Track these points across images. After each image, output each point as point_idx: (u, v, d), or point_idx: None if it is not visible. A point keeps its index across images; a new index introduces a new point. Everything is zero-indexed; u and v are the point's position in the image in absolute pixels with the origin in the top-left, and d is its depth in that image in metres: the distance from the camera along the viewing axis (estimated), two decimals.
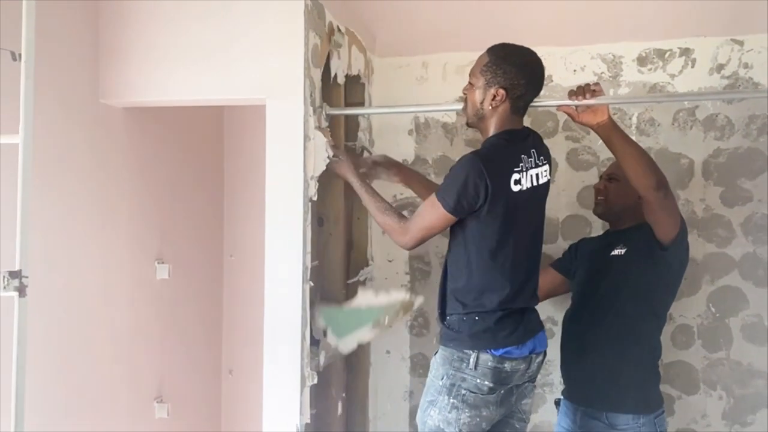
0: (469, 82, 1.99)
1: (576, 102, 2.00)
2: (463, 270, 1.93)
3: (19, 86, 1.34)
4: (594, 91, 1.99)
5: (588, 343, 2.24)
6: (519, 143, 1.94)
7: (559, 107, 2.10)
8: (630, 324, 2.19)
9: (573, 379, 2.30)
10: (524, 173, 1.90)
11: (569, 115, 2.06)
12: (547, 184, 2.01)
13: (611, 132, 2.03)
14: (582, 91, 2.00)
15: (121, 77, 2.23)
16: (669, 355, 2.61)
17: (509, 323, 1.91)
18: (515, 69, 1.90)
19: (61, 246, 2.09)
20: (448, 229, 1.96)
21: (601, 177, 2.46)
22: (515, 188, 1.87)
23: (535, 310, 2.02)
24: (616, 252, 2.25)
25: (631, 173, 2.03)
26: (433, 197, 1.91)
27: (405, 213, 2.80)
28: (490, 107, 1.92)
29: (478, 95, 1.94)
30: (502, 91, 1.90)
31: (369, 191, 2.11)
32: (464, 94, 2.02)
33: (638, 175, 2.02)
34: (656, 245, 2.12)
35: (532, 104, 1.99)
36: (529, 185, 1.91)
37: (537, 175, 1.94)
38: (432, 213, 1.91)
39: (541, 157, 1.97)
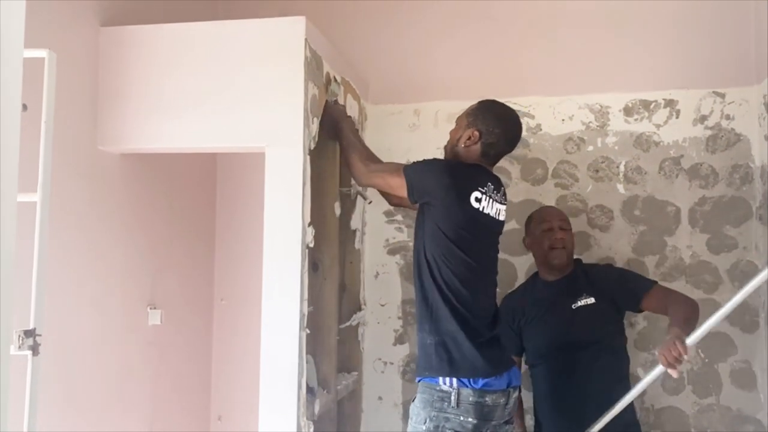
0: (455, 123, 2.16)
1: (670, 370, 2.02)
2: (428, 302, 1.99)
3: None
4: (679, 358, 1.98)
5: (589, 391, 2.30)
6: (484, 173, 2.06)
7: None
8: (623, 360, 2.42)
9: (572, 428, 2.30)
10: (487, 198, 1.99)
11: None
12: (503, 223, 2.11)
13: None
14: (674, 361, 1.97)
15: (120, 124, 2.23)
16: (660, 401, 2.64)
17: (485, 353, 1.93)
18: (493, 118, 2.06)
19: (55, 290, 2.06)
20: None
21: (547, 230, 2.48)
22: (475, 204, 1.96)
23: (503, 346, 2.09)
24: (581, 303, 2.39)
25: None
26: (400, 166, 2.06)
27: (397, 257, 2.90)
28: (464, 145, 2.07)
29: (457, 133, 2.11)
30: (476, 133, 2.05)
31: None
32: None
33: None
34: (634, 306, 2.40)
35: None
36: (490, 212, 2.01)
37: (499, 210, 2.06)
38: (393, 175, 2.06)
39: (504, 198, 2.10)
